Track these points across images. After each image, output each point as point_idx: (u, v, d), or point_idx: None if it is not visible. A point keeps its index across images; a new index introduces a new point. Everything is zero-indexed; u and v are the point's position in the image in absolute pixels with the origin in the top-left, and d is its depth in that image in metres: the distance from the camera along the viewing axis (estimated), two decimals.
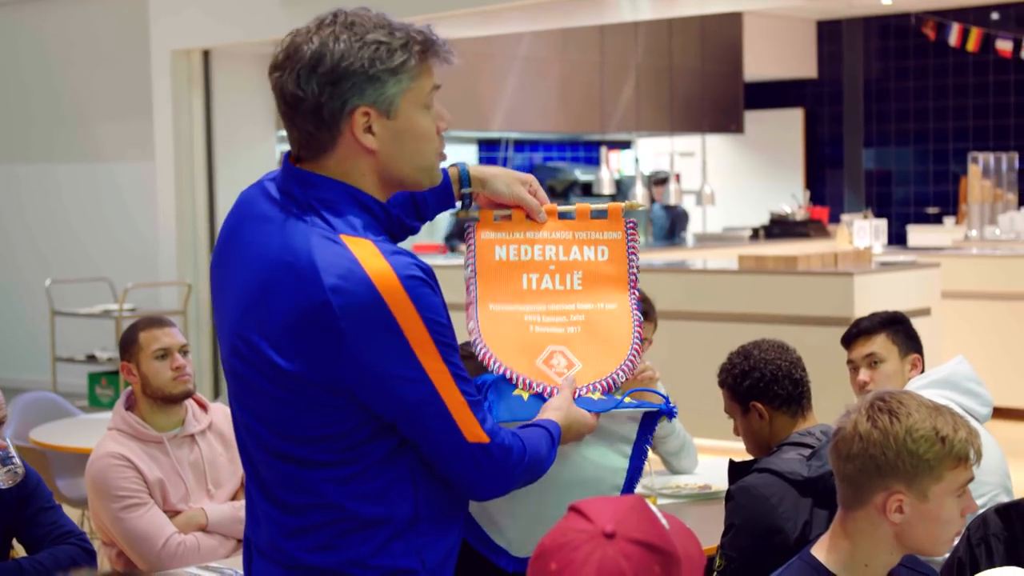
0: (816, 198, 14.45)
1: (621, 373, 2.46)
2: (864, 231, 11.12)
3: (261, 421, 2.19)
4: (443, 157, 2.26)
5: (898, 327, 4.01)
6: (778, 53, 14.34)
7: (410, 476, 2.20)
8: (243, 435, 2.27)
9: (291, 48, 2.16)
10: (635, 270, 2.53)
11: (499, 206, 2.53)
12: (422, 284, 2.12)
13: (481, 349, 2.44)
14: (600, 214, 2.53)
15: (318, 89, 2.12)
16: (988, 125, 13.78)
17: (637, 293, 2.53)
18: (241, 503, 3.94)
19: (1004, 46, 12.79)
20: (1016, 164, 12.20)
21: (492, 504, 2.41)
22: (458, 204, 2.50)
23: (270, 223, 2.18)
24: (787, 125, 14.89)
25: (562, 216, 2.53)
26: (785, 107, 14.93)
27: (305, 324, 2.09)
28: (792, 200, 13.63)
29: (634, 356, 2.48)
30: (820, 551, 2.46)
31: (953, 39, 12.83)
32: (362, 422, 2.14)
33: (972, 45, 12.77)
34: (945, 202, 14.06)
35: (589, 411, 2.39)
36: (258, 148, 9.60)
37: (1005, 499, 3.72)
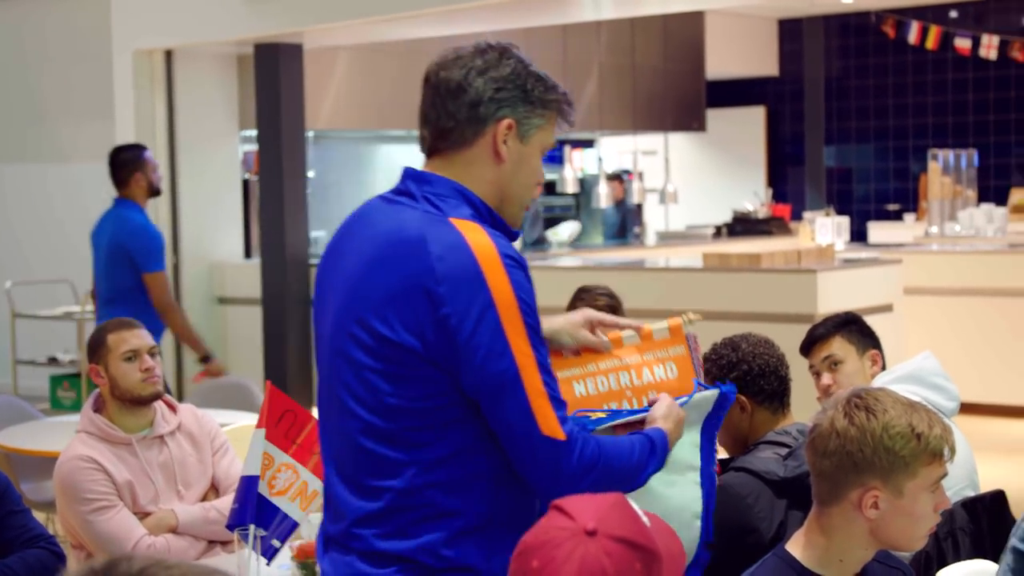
0: (778, 196, 14.52)
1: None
2: (826, 228, 11.19)
3: (360, 401, 2.29)
4: (528, 207, 2.46)
5: (851, 326, 4.06)
6: (740, 52, 14.39)
7: (492, 475, 2.29)
8: (337, 422, 2.35)
9: (462, 51, 2.39)
10: (700, 381, 2.61)
11: None
12: (519, 267, 2.27)
13: None
14: (662, 332, 2.59)
15: (483, 87, 2.34)
16: (947, 122, 13.89)
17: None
18: (211, 504, 3.92)
19: (963, 44, 12.89)
20: (975, 161, 12.30)
21: None
22: None
23: (383, 214, 2.36)
24: (749, 123, 14.95)
25: (626, 341, 2.58)
26: (747, 105, 14.99)
27: (410, 291, 2.23)
28: (754, 198, 13.68)
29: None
30: (795, 547, 2.47)
31: (912, 37, 12.92)
32: (453, 401, 2.25)
33: (931, 43, 12.87)
34: (905, 199, 14.16)
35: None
36: (221, 149, 9.55)
37: (971, 494, 3.75)
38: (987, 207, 11.70)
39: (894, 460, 2.34)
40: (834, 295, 7.79)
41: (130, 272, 6.42)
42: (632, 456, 2.35)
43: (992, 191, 13.22)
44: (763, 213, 12.96)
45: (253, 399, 5.91)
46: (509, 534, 2.26)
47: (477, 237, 2.25)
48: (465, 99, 2.33)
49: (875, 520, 2.37)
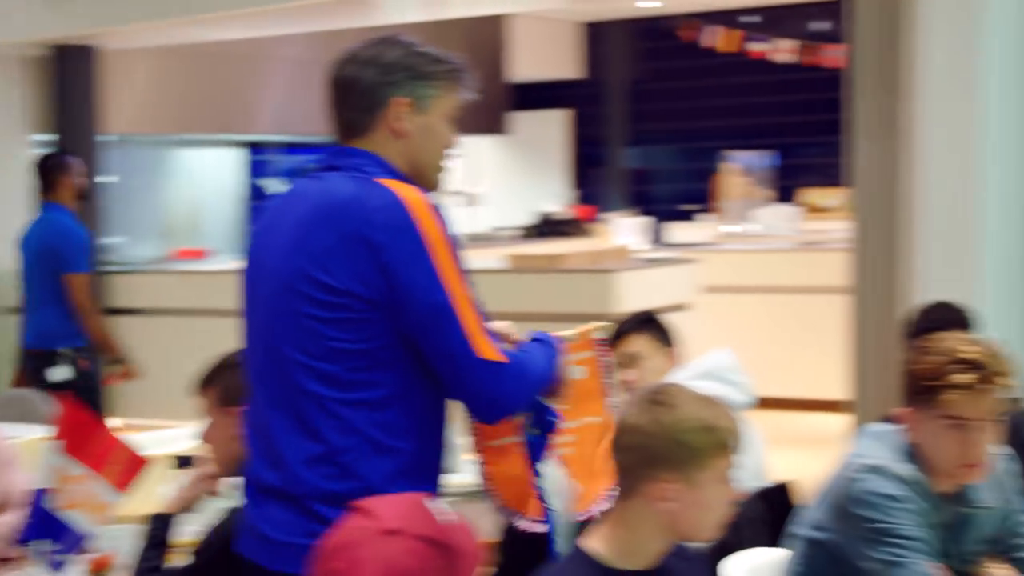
0: (584, 197, 14.72)
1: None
2: (625, 229, 11.40)
3: (304, 351, 2.48)
4: (443, 169, 2.69)
5: (653, 325, 4.24)
6: (546, 55, 14.54)
7: (423, 417, 2.51)
8: (280, 378, 2.51)
9: (357, 48, 2.64)
10: (609, 381, 2.88)
11: None
12: (443, 217, 2.49)
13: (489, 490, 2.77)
14: (572, 339, 2.80)
15: (372, 76, 2.59)
16: (743, 124, 14.27)
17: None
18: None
19: (758, 48, 13.28)
20: (769, 162, 12.68)
21: None
22: None
23: (311, 188, 2.57)
24: (555, 126, 15.10)
25: None
26: (554, 108, 15.14)
27: (350, 242, 2.44)
28: (558, 200, 13.85)
29: None
30: (594, 543, 2.51)
31: (711, 41, 13.27)
32: (391, 342, 2.45)
33: (728, 47, 13.23)
34: (704, 199, 14.50)
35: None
36: (11, 153, 9.24)
37: (761, 485, 3.89)
38: (780, 206, 12.06)
39: (686, 453, 2.40)
40: (632, 295, 7.92)
41: (58, 274, 6.43)
42: (543, 359, 2.62)
43: (790, 191, 13.63)
44: (567, 215, 13.13)
45: (38, 411, 5.74)
46: (433, 475, 2.55)
47: (406, 191, 2.48)
48: (357, 89, 2.59)
49: (670, 512, 2.43)
